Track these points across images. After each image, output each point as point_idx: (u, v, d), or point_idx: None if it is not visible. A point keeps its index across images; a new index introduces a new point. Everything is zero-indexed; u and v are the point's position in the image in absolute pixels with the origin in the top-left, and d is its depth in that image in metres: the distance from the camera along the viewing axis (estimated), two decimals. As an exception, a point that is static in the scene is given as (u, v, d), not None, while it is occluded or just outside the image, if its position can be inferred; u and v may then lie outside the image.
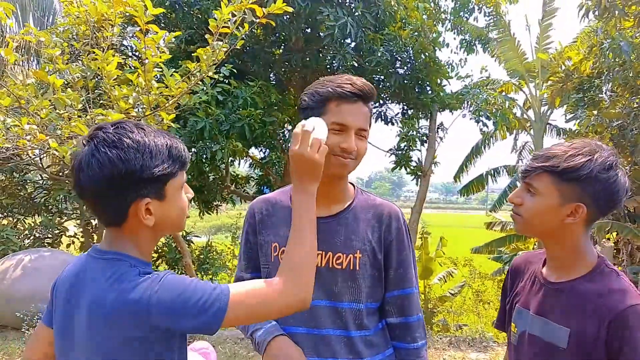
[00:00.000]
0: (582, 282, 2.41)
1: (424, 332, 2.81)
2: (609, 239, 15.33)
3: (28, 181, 14.66)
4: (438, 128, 14.31)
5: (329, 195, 2.67)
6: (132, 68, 8.34)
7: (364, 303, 2.69)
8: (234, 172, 16.35)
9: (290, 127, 13.36)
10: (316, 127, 2.38)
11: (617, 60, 11.29)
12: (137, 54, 12.11)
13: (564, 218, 2.37)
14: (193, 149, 10.78)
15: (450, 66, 14.01)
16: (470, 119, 14.07)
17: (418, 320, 2.78)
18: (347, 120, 2.55)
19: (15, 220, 14.40)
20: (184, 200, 2.16)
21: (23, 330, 8.62)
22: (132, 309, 1.90)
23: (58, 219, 14.63)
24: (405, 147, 13.58)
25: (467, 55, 14.80)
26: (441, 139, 14.52)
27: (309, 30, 11.96)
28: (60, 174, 13.21)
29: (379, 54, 11.25)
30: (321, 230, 2.54)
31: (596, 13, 11.69)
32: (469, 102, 14.34)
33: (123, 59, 8.18)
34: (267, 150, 13.92)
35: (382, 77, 12.21)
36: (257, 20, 5.55)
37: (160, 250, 14.58)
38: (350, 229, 2.70)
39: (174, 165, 2.04)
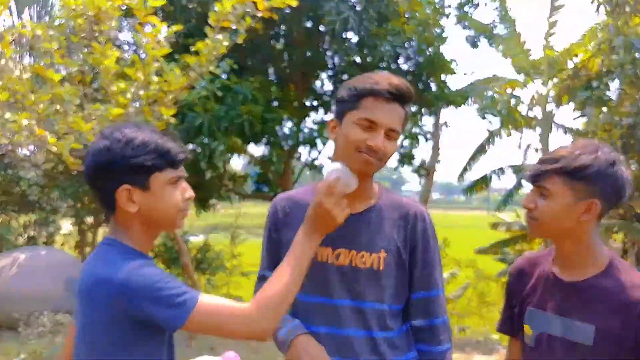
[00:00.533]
0: (600, 278, 2.46)
1: (449, 335, 2.77)
2: (615, 240, 15.30)
3: (22, 178, 14.56)
4: (442, 125, 14.24)
5: (354, 193, 2.56)
6: (128, 62, 8.21)
7: (387, 303, 2.66)
8: (231, 170, 16.24)
9: (290, 125, 13.19)
10: (349, 183, 2.44)
11: (628, 57, 11.20)
12: (133, 47, 12.00)
13: (579, 216, 2.44)
14: (190, 145, 10.67)
15: (454, 62, 13.92)
16: (477, 115, 14.02)
17: (444, 322, 2.74)
18: (377, 117, 2.53)
19: (9, 218, 14.38)
20: (173, 197, 2.28)
21: (19, 330, 8.52)
22: (107, 286, 2.07)
23: (52, 216, 14.64)
24: (409, 145, 13.50)
25: (472, 50, 14.77)
26: (445, 136, 14.47)
27: (310, 25, 11.86)
28: (55, 170, 13.11)
29: (382, 49, 11.07)
30: (345, 228, 2.57)
31: (607, 9, 11.59)
32: (474, 99, 14.30)
33: (120, 52, 8.09)
34: (267, 147, 13.80)
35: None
36: (260, 14, 5.45)
37: (157, 250, 14.53)
38: (375, 227, 2.68)
39: (157, 160, 2.20)
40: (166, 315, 2.07)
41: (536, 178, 2.52)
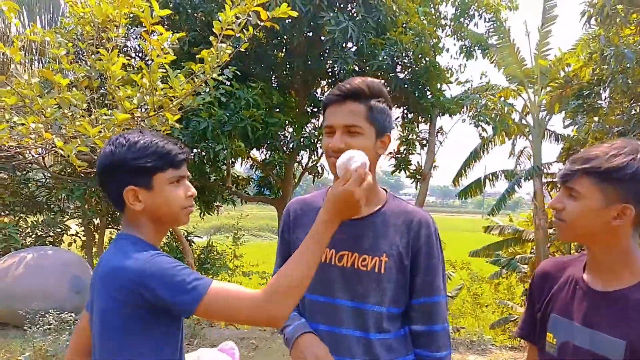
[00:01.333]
0: (636, 290, 2.28)
1: (448, 342, 2.80)
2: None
3: (30, 180, 14.71)
4: (437, 132, 14.37)
5: None
6: (135, 69, 8.40)
7: (386, 307, 2.70)
8: (234, 173, 16.41)
9: (291, 129, 13.40)
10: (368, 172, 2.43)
11: (618, 67, 11.33)
12: (140, 55, 12.19)
13: (609, 220, 2.26)
14: (195, 150, 10.86)
15: (449, 71, 14.04)
16: (470, 123, 14.15)
17: (443, 329, 2.77)
18: (330, 120, 2.66)
19: (17, 218, 14.44)
20: (175, 194, 2.44)
21: (25, 328, 8.64)
22: (121, 275, 2.20)
23: (60, 217, 14.68)
24: (405, 151, 13.67)
25: (467, 60, 14.84)
26: (440, 143, 14.58)
27: (310, 34, 12.02)
28: (63, 172, 13.28)
29: (380, 59, 11.27)
30: (349, 232, 2.68)
31: (598, 20, 11.72)
32: (468, 107, 14.42)
33: (127, 59, 8.22)
34: (269, 151, 13.98)
35: (383, 81, 12.22)
36: (262, 24, 5.59)
37: (161, 251, 14.64)
38: (378, 232, 2.73)
39: (158, 161, 2.37)
40: (178, 300, 2.16)
41: (565, 178, 2.38)
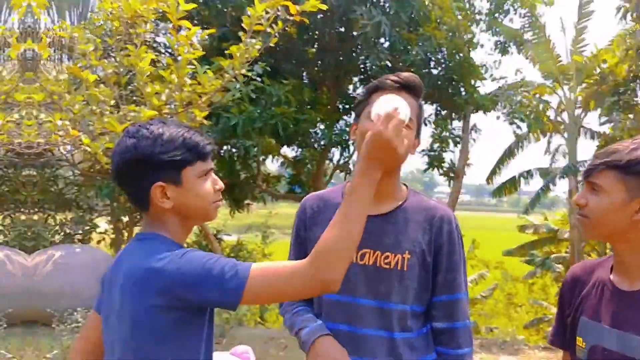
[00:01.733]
0: None
1: (470, 339, 2.72)
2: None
3: (59, 177, 14.74)
4: (471, 129, 14.25)
5: (378, 192, 2.36)
6: (165, 65, 8.36)
7: (410, 305, 2.63)
8: (265, 171, 16.36)
9: (322, 126, 13.31)
10: (406, 112, 2.22)
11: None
12: (169, 50, 12.16)
13: (632, 214, 2.19)
14: (225, 146, 10.81)
15: (484, 67, 13.92)
16: (504, 120, 14.03)
17: (465, 326, 2.69)
18: None
19: (46, 215, 14.48)
20: (205, 189, 2.26)
21: (53, 326, 8.63)
22: (157, 278, 2.04)
23: (89, 215, 14.76)
24: (438, 148, 13.54)
25: (502, 56, 14.76)
26: (474, 140, 14.48)
27: (342, 30, 11.93)
28: (92, 170, 13.28)
29: (414, 54, 11.17)
30: (370, 229, 2.44)
31: (634, 15, 11.55)
32: (503, 104, 14.28)
33: (156, 55, 8.19)
34: (300, 149, 13.91)
35: (416, 77, 12.15)
36: (291, 18, 5.53)
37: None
38: (400, 229, 2.65)
39: (187, 154, 2.18)
40: (222, 294, 2.02)
41: (588, 173, 2.31)
